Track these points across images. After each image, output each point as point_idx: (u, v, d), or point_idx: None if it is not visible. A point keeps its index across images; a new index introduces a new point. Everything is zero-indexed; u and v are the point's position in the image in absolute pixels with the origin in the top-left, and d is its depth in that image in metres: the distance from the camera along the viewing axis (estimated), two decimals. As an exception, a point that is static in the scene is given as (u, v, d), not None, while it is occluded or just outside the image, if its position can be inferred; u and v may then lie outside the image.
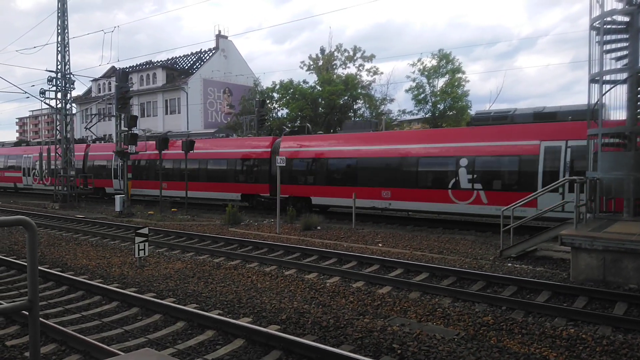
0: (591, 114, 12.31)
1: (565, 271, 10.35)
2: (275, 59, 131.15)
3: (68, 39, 27.26)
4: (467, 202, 16.83)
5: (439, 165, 17.85)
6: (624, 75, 11.95)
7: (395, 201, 18.42)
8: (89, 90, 52.39)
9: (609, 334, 6.78)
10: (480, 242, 14.43)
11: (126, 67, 50.22)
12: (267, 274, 10.44)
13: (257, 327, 6.53)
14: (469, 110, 36.28)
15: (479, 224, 18.22)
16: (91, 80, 50.81)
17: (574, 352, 6.05)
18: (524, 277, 9.77)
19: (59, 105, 27.88)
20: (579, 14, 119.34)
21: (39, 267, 6.61)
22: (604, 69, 12.02)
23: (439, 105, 36.99)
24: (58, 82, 27.21)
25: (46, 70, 27.65)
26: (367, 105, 40.62)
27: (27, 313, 2.78)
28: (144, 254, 11.24)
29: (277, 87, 40.91)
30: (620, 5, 11.99)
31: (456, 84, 37.35)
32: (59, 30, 26.92)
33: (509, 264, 11.31)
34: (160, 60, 53.27)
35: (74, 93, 32.51)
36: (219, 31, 49.40)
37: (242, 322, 6.90)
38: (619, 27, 12.24)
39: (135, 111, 41.97)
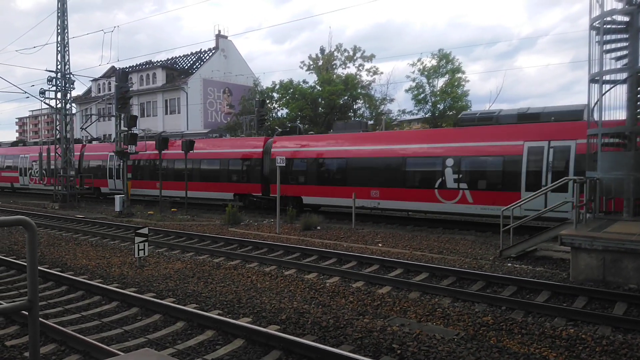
0: (591, 114, 12.31)
1: (565, 271, 10.36)
2: (275, 59, 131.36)
3: (68, 39, 27.27)
4: (453, 201, 17.14)
5: (426, 165, 18.14)
6: (624, 75, 11.96)
7: (383, 201, 18.68)
8: (89, 90, 52.40)
9: (608, 334, 6.78)
10: (480, 242, 14.43)
11: (126, 67, 50.23)
12: (267, 274, 10.44)
13: (257, 327, 6.53)
14: (468, 110, 36.28)
15: (478, 224, 18.22)
16: (91, 80, 50.82)
17: (574, 352, 6.05)
18: (523, 277, 9.77)
19: (59, 105, 27.88)
20: (579, 13, 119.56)
21: (39, 267, 6.62)
22: (604, 69, 12.03)
23: (438, 105, 36.99)
24: (58, 82, 27.21)
25: (46, 70, 27.70)
26: (367, 105, 40.62)
27: (27, 313, 2.78)
28: (144, 254, 11.24)
29: (277, 87, 40.92)
30: (620, 5, 12.00)
31: (456, 84, 37.35)
32: (59, 30, 26.92)
33: (509, 264, 11.31)
34: (160, 60, 53.27)
35: (74, 93, 32.52)
36: (219, 31, 49.41)
37: (242, 322, 6.90)
38: (619, 27, 12.24)
39: (135, 111, 41.96)
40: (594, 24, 12.07)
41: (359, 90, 39.71)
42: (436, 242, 14.46)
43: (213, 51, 48.77)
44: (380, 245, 14.11)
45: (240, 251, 13.31)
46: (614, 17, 12.11)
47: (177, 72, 48.47)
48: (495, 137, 16.71)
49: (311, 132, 26.78)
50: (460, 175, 17.03)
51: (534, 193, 13.35)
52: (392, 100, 41.54)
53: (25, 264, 3.00)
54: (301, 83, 40.28)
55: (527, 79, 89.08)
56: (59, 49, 27.12)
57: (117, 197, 23.32)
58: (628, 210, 11.78)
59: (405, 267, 10.92)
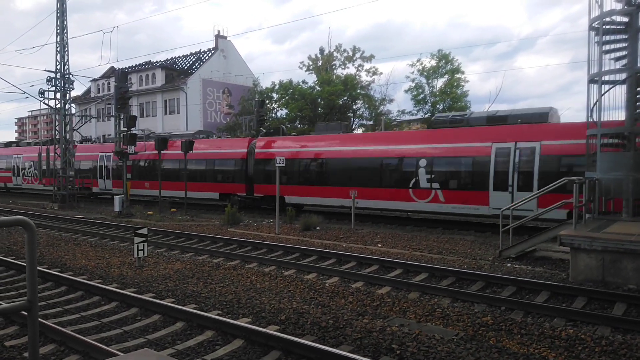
0: (590, 114, 12.32)
1: (564, 271, 10.36)
2: (275, 59, 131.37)
3: (67, 39, 27.28)
4: (426, 200, 17.70)
5: (401, 166, 18.72)
6: (623, 76, 11.96)
7: (361, 200, 19.06)
8: (88, 91, 52.36)
9: (608, 334, 6.78)
10: (479, 243, 14.44)
11: (125, 67, 50.22)
12: (266, 275, 10.44)
13: (257, 328, 6.53)
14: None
15: (478, 224, 18.23)
16: (90, 81, 50.75)
17: (573, 352, 6.05)
18: (523, 278, 9.78)
19: (58, 106, 27.87)
20: (578, 14, 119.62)
21: (38, 268, 6.61)
22: (603, 70, 12.03)
23: (438, 106, 37.00)
24: (57, 82, 27.22)
25: (45, 71, 27.68)
26: (367, 106, 40.62)
27: (26, 313, 2.78)
28: (143, 254, 11.24)
29: (277, 87, 40.92)
30: (619, 6, 12.01)
31: (455, 84, 37.39)
32: (58, 31, 26.92)
33: (508, 264, 11.31)
34: (160, 61, 53.23)
35: (73, 93, 32.49)
36: (219, 31, 49.38)
37: (242, 322, 6.90)
38: (618, 27, 12.25)
39: (135, 111, 41.97)
40: (593, 25, 12.08)
41: (359, 91, 39.71)
42: (435, 242, 14.46)
43: (212, 51, 48.76)
44: (379, 245, 14.11)
45: (240, 251, 13.30)
46: (613, 17, 12.12)
47: (177, 72, 48.46)
48: (466, 139, 17.28)
49: (293, 133, 27.02)
50: (433, 176, 17.61)
51: (533, 194, 13.37)
52: (391, 100, 41.56)
53: (25, 264, 3.00)
54: (300, 83, 40.31)
55: (526, 79, 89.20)
56: (58, 49, 27.12)
57: (116, 197, 23.31)
58: (627, 211, 11.78)
59: (404, 267, 10.92)
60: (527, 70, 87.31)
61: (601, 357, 5.92)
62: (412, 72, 38.86)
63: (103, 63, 65.25)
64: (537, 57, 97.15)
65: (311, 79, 44.85)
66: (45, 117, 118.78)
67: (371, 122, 40.00)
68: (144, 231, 11.39)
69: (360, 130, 40.53)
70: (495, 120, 17.65)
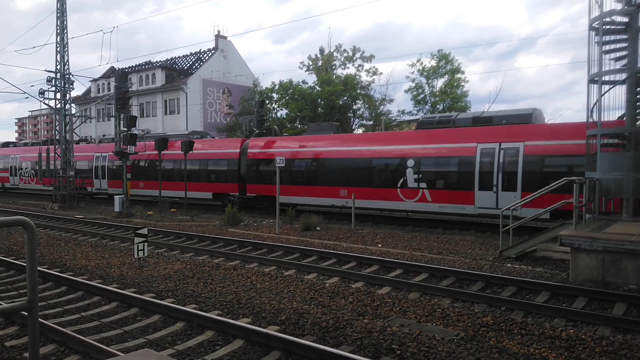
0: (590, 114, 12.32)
1: (564, 272, 10.36)
2: (275, 59, 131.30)
3: (67, 39, 27.27)
4: (414, 200, 17.97)
5: (389, 166, 18.98)
6: (623, 76, 11.96)
7: (351, 199, 19.31)
8: (88, 91, 52.36)
9: (608, 334, 6.78)
10: (479, 243, 14.43)
11: (125, 68, 50.23)
12: (266, 275, 10.44)
13: (257, 328, 6.53)
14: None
15: (478, 225, 18.23)
16: (90, 81, 50.76)
17: (574, 352, 6.05)
18: (523, 278, 9.77)
19: (58, 106, 27.86)
20: (578, 14, 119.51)
21: (38, 268, 6.60)
22: (603, 70, 12.03)
23: (438, 106, 37.02)
24: (57, 83, 27.21)
25: (45, 71, 27.67)
26: (367, 106, 40.63)
27: (27, 313, 2.78)
28: (143, 254, 11.24)
29: (277, 87, 40.92)
30: (619, 6, 12.00)
31: (455, 84, 37.41)
32: (58, 31, 26.92)
33: (509, 265, 11.31)
34: (160, 61, 53.23)
35: (73, 93, 32.50)
36: (219, 31, 49.37)
37: (242, 322, 6.90)
38: (618, 27, 12.25)
39: (135, 111, 41.96)
40: (594, 25, 12.08)
41: (359, 91, 39.73)
42: (436, 242, 14.46)
43: (212, 51, 48.76)
44: (379, 245, 14.11)
45: (240, 252, 13.30)
46: (613, 17, 12.12)
47: (177, 72, 48.47)
48: (452, 139, 17.65)
49: (286, 134, 27.32)
50: (420, 175, 17.90)
51: (534, 194, 13.36)
52: (391, 100, 41.62)
53: (25, 264, 2.99)
54: (300, 83, 40.31)
55: (526, 79, 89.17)
56: (58, 49, 27.12)
57: (116, 197, 23.34)
58: (627, 211, 11.78)
59: (404, 267, 10.92)
60: (527, 70, 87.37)
61: (602, 358, 5.92)
62: (412, 72, 38.96)
63: (103, 63, 65.26)
64: (537, 57, 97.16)
65: (311, 79, 44.95)
66: (45, 117, 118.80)
67: (371, 122, 40.01)
68: (144, 231, 11.39)
69: (360, 131, 40.57)
70: (480, 121, 17.96)
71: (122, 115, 24.60)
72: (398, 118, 40.32)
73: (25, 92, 29.53)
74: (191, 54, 50.70)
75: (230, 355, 6.02)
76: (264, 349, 6.10)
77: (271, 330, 6.52)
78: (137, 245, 11.07)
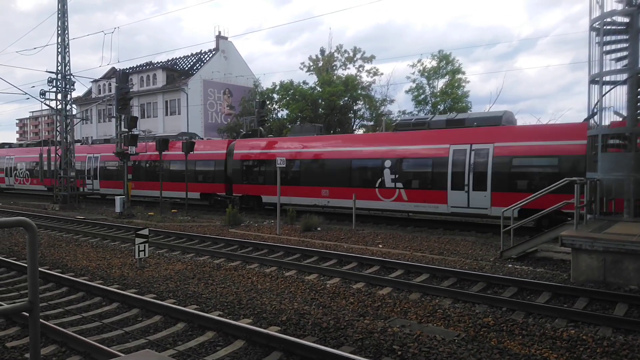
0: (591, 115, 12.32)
1: (565, 272, 10.35)
2: (276, 60, 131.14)
3: (68, 40, 27.28)
4: (391, 199, 18.55)
5: (368, 167, 19.64)
6: (624, 76, 11.95)
7: (332, 199, 20.11)
8: (89, 92, 52.40)
9: (609, 335, 6.77)
10: (480, 243, 14.42)
11: (126, 68, 50.23)
12: (267, 275, 10.44)
13: (258, 329, 6.53)
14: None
15: (479, 225, 18.23)
16: (91, 81, 50.76)
17: (575, 353, 6.05)
18: (524, 278, 9.77)
19: (59, 107, 27.88)
20: (579, 14, 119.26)
21: (39, 269, 6.61)
22: (604, 70, 12.02)
23: (439, 106, 36.99)
24: (58, 83, 27.22)
25: (46, 72, 27.70)
26: (367, 106, 40.64)
27: (28, 314, 2.78)
28: (144, 255, 11.24)
29: (277, 88, 40.93)
30: (620, 6, 11.99)
31: (456, 84, 37.38)
32: (59, 32, 26.93)
33: (510, 265, 11.30)
34: (161, 61, 53.28)
35: (74, 94, 32.55)
36: (219, 32, 49.41)
37: (243, 323, 6.91)
38: (619, 27, 12.24)
39: (136, 112, 41.95)
40: (594, 25, 12.08)
41: (359, 91, 39.72)
42: (437, 243, 14.45)
43: (213, 52, 48.80)
44: (380, 246, 14.10)
45: (241, 252, 13.30)
46: (614, 18, 12.11)
47: (178, 73, 48.50)
48: (426, 141, 18.34)
49: (270, 135, 27.78)
50: (397, 176, 18.54)
51: (535, 194, 13.36)
52: (392, 101, 41.61)
53: (26, 265, 3.00)
54: (301, 84, 40.31)
55: (527, 80, 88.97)
56: (59, 50, 27.13)
57: (117, 198, 23.35)
58: (628, 211, 11.77)
59: (405, 268, 10.92)
60: (527, 70, 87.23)
61: (603, 358, 5.91)
62: (413, 73, 38.95)
63: (104, 64, 65.50)
64: (537, 58, 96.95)
65: (312, 79, 44.85)
66: (46, 118, 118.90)
67: (372, 123, 40.01)
68: (145, 232, 11.40)
69: (361, 131, 40.59)
70: (453, 123, 18.58)
71: (122, 116, 24.64)
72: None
73: (26, 93, 29.56)
74: (192, 54, 50.77)
75: (231, 355, 6.03)
76: (264, 350, 6.10)
77: (272, 331, 6.53)
78: (138, 246, 11.07)
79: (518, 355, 5.93)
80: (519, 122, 21.93)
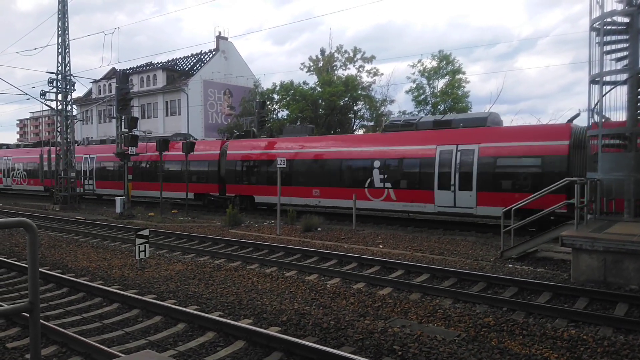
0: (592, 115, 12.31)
1: (566, 272, 10.35)
2: (276, 60, 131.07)
3: (68, 41, 27.29)
4: (380, 199, 18.80)
5: (358, 167, 19.95)
6: (624, 76, 11.95)
7: (323, 199, 20.47)
8: (90, 92, 52.41)
9: (610, 334, 6.77)
10: (480, 243, 14.42)
11: (126, 69, 50.26)
12: (267, 276, 10.45)
13: (258, 329, 6.53)
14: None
15: (479, 225, 18.23)
16: (92, 82, 50.75)
17: (575, 353, 6.04)
18: (524, 278, 9.77)
19: (60, 107, 27.90)
20: (579, 14, 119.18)
21: (40, 269, 6.62)
22: (604, 70, 12.02)
23: (439, 107, 36.99)
24: (58, 84, 27.22)
25: (47, 72, 27.76)
26: (368, 107, 40.63)
27: (28, 315, 2.78)
28: (145, 255, 11.25)
29: (278, 88, 40.93)
30: (620, 6, 12.00)
31: (456, 85, 37.36)
32: (60, 32, 26.94)
33: (510, 265, 11.30)
34: (161, 62, 53.26)
35: (75, 94, 32.61)
36: (219, 32, 49.40)
37: (243, 323, 6.91)
38: (619, 28, 12.24)
39: (136, 113, 41.96)
40: (594, 25, 12.08)
41: (360, 92, 39.72)
42: (437, 243, 14.45)
43: (213, 52, 48.81)
44: (381, 246, 14.10)
45: (241, 253, 13.30)
46: (614, 18, 12.12)
47: (178, 73, 48.51)
48: (414, 142, 18.66)
49: (263, 136, 28.06)
50: (386, 176, 18.85)
51: (535, 194, 13.36)
52: (392, 101, 41.60)
53: (26, 265, 3.00)
54: (301, 84, 40.31)
55: (527, 80, 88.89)
56: (59, 50, 27.14)
57: (117, 198, 23.37)
58: (629, 211, 11.77)
59: (406, 268, 10.92)
60: (528, 70, 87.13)
61: (603, 358, 5.91)
62: (413, 73, 38.92)
63: (104, 64, 65.52)
64: (538, 58, 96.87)
65: (312, 80, 44.83)
66: (46, 119, 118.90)
67: (372, 123, 40.02)
68: (145, 232, 11.40)
69: (361, 131, 40.61)
70: (440, 124, 18.93)
71: (123, 117, 24.65)
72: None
73: (26, 94, 29.60)
74: (192, 55, 50.77)
75: (231, 356, 6.03)
76: (265, 350, 6.10)
77: (272, 331, 6.53)
78: (139, 247, 11.08)
79: (518, 355, 5.93)
80: (519, 122, 22.09)
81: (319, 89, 39.25)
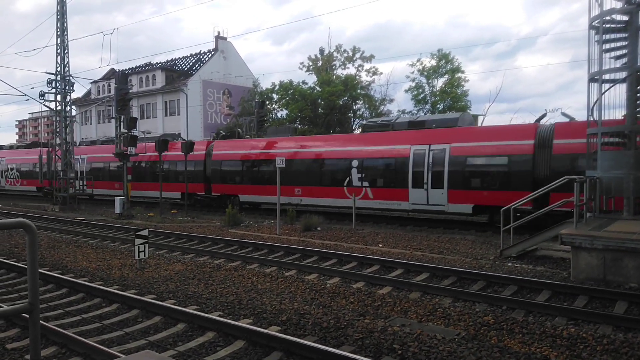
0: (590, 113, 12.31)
1: (565, 270, 10.35)
2: (275, 60, 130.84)
3: (67, 41, 27.27)
4: (358, 197, 18.97)
5: (337, 166, 20.51)
6: (623, 74, 11.95)
7: (305, 198, 20.96)
8: (89, 92, 52.38)
9: (609, 333, 6.78)
10: (480, 242, 14.42)
11: (126, 69, 50.21)
12: (267, 275, 10.45)
13: (258, 329, 6.53)
14: (468, 110, 36.32)
15: (478, 224, 18.24)
16: (91, 82, 50.69)
17: (575, 351, 6.05)
18: (524, 277, 9.77)
19: (59, 108, 27.88)
20: (578, 13, 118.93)
21: (39, 270, 6.61)
22: (603, 68, 12.03)
23: (438, 106, 37.02)
24: (57, 84, 27.21)
25: (46, 73, 27.67)
26: (367, 106, 40.64)
27: (28, 316, 2.78)
28: (144, 255, 11.24)
29: (277, 88, 40.94)
30: (619, 5, 12.00)
31: (455, 84, 37.39)
32: (59, 33, 26.92)
33: (509, 264, 11.31)
34: (160, 62, 53.24)
35: (74, 95, 32.63)
36: (218, 32, 49.39)
37: (243, 323, 6.91)
38: (618, 26, 12.24)
39: (135, 113, 41.95)
40: (593, 24, 12.08)
41: (359, 91, 39.74)
42: (436, 242, 14.46)
43: (212, 53, 48.79)
44: (380, 245, 14.11)
45: (241, 252, 13.31)
46: (613, 16, 12.11)
47: (177, 73, 48.48)
48: (390, 142, 19.17)
49: (247, 136, 28.30)
50: (363, 175, 19.42)
51: (535, 193, 13.37)
52: (391, 100, 41.66)
53: (26, 266, 3.00)
54: (301, 84, 40.32)
55: (526, 78, 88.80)
56: (58, 51, 27.12)
57: (117, 199, 23.36)
58: (628, 209, 11.77)
59: (405, 267, 10.92)
60: (527, 69, 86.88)
61: (603, 356, 5.91)
62: (412, 72, 38.96)
63: (103, 65, 65.43)
64: (537, 56, 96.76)
65: (311, 79, 44.90)
66: (45, 119, 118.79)
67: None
68: (145, 232, 11.40)
69: (359, 131, 40.61)
70: (415, 125, 19.60)
71: (122, 117, 24.64)
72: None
73: (25, 94, 29.55)
74: (191, 55, 50.74)
75: (231, 356, 6.03)
76: (265, 350, 6.10)
77: (272, 331, 6.53)
78: (138, 247, 11.07)
79: (518, 353, 5.94)
80: (519, 122, 22.20)
81: (318, 88, 39.26)
